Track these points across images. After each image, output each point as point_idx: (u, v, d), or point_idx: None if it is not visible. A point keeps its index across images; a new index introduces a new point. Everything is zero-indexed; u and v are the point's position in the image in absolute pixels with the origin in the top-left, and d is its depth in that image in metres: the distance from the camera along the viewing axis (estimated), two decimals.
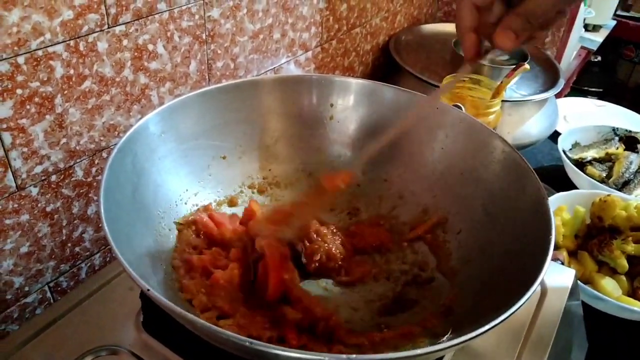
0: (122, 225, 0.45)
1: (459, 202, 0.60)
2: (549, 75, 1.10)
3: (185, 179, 0.60)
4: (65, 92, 0.55)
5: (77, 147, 0.59)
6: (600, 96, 1.98)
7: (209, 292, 0.51)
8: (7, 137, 0.52)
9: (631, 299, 0.73)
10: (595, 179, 0.96)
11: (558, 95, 1.12)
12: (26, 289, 0.60)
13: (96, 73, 0.57)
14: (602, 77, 2.29)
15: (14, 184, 0.54)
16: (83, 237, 0.64)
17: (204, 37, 0.69)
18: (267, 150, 0.67)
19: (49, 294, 0.64)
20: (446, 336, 0.47)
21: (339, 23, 0.96)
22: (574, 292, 0.61)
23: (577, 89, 2.08)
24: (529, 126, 1.00)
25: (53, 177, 0.58)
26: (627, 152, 1.04)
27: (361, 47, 1.08)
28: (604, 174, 1.00)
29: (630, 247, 0.75)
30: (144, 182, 0.54)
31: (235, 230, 0.58)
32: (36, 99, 0.53)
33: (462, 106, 0.68)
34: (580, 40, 1.64)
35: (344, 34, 1.00)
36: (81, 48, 0.54)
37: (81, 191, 0.62)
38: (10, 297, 0.59)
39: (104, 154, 0.62)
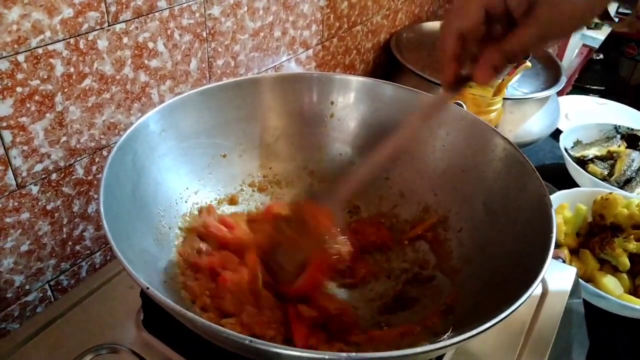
0: (122, 224, 0.45)
1: (459, 200, 0.60)
2: (550, 73, 1.10)
3: (186, 177, 0.60)
4: (66, 90, 0.55)
5: (78, 145, 0.59)
6: (602, 94, 1.97)
7: (213, 295, 0.50)
8: (8, 136, 0.52)
9: (633, 297, 0.73)
10: (597, 177, 0.96)
11: (560, 93, 1.12)
12: (27, 287, 0.60)
13: (96, 71, 0.57)
14: (604, 75, 2.28)
15: (14, 182, 0.54)
16: (83, 235, 0.64)
17: (204, 35, 0.68)
18: (267, 148, 0.67)
19: (49, 293, 0.64)
20: (446, 334, 0.47)
21: (339, 21, 0.96)
22: (575, 290, 0.61)
23: (578, 87, 2.07)
24: (530, 124, 1.00)
25: (53, 176, 0.58)
26: (629, 150, 1.04)
27: (362, 45, 1.07)
28: (606, 172, 1.00)
29: (632, 245, 0.75)
30: (144, 180, 0.54)
31: (245, 231, 0.57)
32: (36, 97, 0.52)
33: (463, 104, 0.68)
34: (582, 38, 1.64)
35: (345, 31, 0.99)
36: (81, 46, 0.54)
37: (81, 189, 0.62)
38: (11, 296, 0.59)
39: (104, 152, 0.62)
